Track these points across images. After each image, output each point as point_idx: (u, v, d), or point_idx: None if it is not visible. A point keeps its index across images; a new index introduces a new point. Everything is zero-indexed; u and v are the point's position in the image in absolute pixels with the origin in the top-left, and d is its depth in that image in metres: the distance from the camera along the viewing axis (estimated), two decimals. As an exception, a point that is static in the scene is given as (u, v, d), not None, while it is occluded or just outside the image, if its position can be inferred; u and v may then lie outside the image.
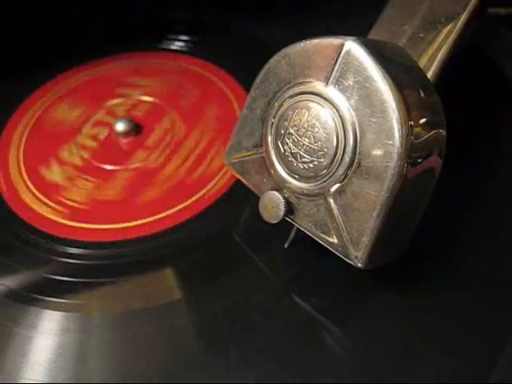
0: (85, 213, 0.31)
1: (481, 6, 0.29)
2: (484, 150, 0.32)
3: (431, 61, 0.27)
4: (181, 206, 0.31)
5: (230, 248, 0.29)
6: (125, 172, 0.33)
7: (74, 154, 0.34)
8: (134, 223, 0.30)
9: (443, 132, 0.24)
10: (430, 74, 0.27)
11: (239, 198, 0.30)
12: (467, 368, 0.24)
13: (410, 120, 0.22)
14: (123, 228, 0.30)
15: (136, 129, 0.34)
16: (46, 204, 0.32)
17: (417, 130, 0.23)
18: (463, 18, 0.28)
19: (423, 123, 0.23)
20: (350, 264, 0.24)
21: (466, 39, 0.29)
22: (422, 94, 0.23)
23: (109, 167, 0.33)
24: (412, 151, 0.22)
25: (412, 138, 0.22)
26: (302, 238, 0.26)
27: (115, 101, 0.37)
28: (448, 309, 0.26)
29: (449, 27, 0.28)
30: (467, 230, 0.28)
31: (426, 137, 0.23)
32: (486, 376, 0.23)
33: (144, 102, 0.37)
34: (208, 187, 0.31)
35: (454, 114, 0.25)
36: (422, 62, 0.27)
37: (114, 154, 0.34)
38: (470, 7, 0.28)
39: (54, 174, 0.33)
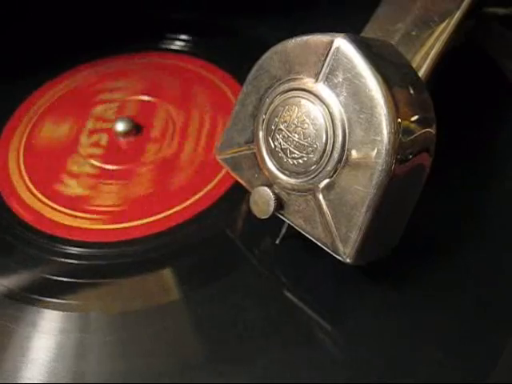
0: (122, 213, 0.31)
1: (475, 5, 0.29)
2: (483, 150, 0.32)
3: (424, 59, 0.27)
4: (180, 207, 0.31)
5: (229, 248, 0.29)
6: (144, 166, 0.33)
7: (84, 165, 0.33)
8: (135, 223, 0.30)
9: (433, 130, 0.24)
10: (421, 72, 0.27)
11: (239, 198, 0.30)
12: (467, 368, 0.24)
13: (399, 117, 0.22)
14: (122, 228, 0.30)
15: (136, 127, 0.34)
16: (72, 215, 0.31)
17: (406, 126, 0.23)
18: (457, 16, 0.28)
19: (412, 120, 0.23)
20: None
21: (459, 38, 0.29)
22: (412, 92, 0.23)
23: (126, 166, 0.33)
24: (401, 148, 0.22)
25: (400, 134, 0.22)
26: (294, 235, 0.26)
27: (99, 107, 0.36)
28: (447, 308, 0.26)
29: (442, 26, 0.28)
30: (466, 228, 0.28)
31: (415, 134, 0.23)
32: (486, 376, 0.23)
33: (130, 101, 0.37)
34: (208, 188, 0.31)
35: (453, 113, 0.25)
36: (415, 60, 0.27)
37: (125, 154, 0.34)
38: (464, 6, 0.28)
39: (72, 187, 0.32)
